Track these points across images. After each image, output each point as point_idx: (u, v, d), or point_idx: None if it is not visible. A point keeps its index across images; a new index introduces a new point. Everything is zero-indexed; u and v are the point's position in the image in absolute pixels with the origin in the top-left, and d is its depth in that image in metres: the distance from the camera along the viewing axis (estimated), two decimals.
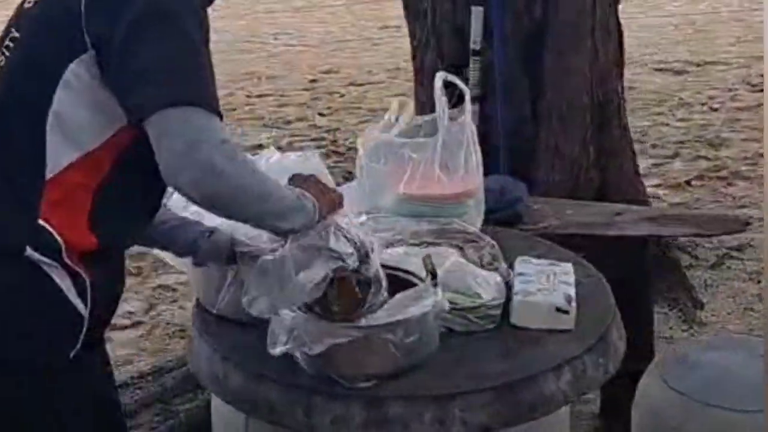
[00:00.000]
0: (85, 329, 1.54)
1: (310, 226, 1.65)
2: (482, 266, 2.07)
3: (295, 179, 1.70)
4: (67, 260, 1.50)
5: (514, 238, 2.40)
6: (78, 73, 1.46)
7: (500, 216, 2.84)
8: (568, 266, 2.08)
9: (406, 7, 4.43)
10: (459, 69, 4.05)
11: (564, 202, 3.22)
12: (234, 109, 6.94)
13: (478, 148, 2.32)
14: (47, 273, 1.49)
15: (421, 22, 4.33)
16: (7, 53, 1.54)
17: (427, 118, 2.34)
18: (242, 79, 7.95)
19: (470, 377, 1.79)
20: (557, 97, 4.08)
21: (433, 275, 1.80)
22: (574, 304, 1.93)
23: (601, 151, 3.90)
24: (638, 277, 2.98)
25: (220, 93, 1.54)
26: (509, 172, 4.02)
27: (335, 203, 1.72)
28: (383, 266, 1.85)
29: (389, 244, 2.11)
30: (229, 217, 1.59)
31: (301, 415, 1.77)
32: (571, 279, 2.02)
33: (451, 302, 1.88)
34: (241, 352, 1.87)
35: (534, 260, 2.11)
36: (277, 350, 1.73)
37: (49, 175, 1.49)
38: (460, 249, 2.11)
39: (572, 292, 1.96)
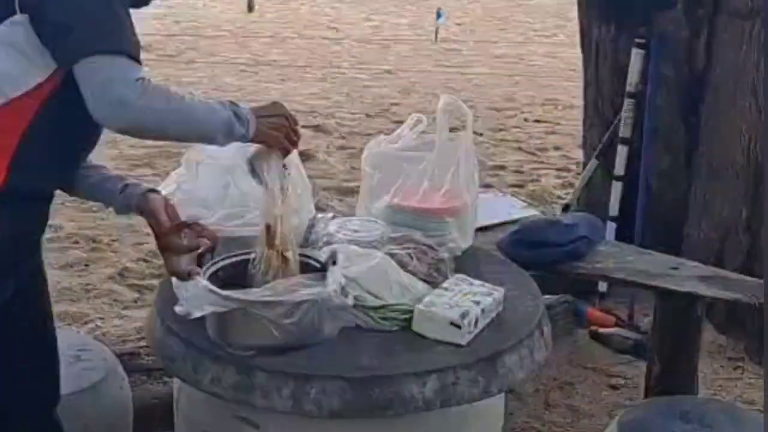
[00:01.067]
0: None
1: (239, 136, 1.91)
2: (422, 277, 2.23)
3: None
4: None
5: (494, 263, 2.52)
6: (6, 32, 1.77)
7: (561, 251, 2.96)
8: (499, 292, 2.19)
9: (581, 44, 4.53)
10: (617, 109, 4.13)
11: (630, 247, 3.26)
12: None
13: (473, 168, 2.46)
14: None
15: (587, 60, 4.42)
16: None
17: (434, 135, 2.50)
18: None
19: (336, 365, 1.97)
20: (712, 151, 4.05)
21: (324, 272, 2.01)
22: (468, 321, 2.05)
23: (754, 214, 3.81)
24: (686, 327, 2.97)
25: None
26: (648, 216, 4.05)
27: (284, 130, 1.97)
28: (301, 255, 2.10)
29: (350, 242, 2.31)
30: (161, 140, 1.93)
31: (190, 370, 2.04)
32: (487, 301, 2.13)
33: (357, 299, 2.07)
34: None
35: (472, 280, 2.23)
36: (177, 309, 2.01)
37: None
38: (410, 257, 2.27)
39: (475, 311, 2.08)
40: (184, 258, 2.01)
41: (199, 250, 2.05)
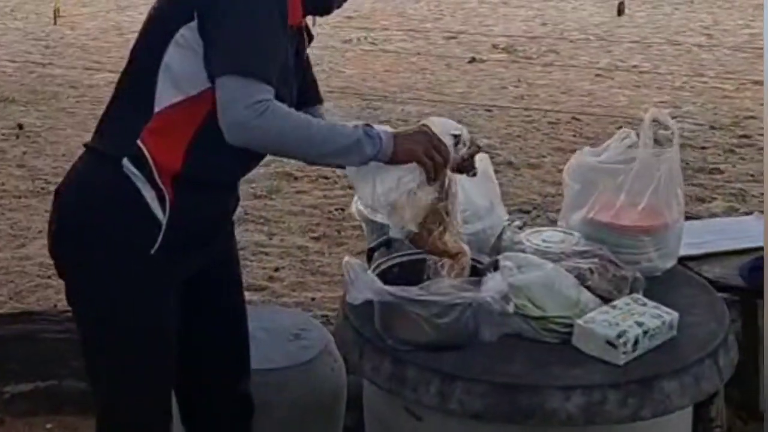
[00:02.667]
0: (162, 233, 2.02)
1: (371, 155, 1.96)
2: (600, 293, 2.23)
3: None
4: (156, 178, 2.01)
5: (693, 287, 2.45)
6: (186, 35, 1.96)
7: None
8: (672, 316, 2.14)
9: None
10: None
11: None
12: None
13: (677, 186, 2.40)
14: (135, 183, 2.00)
15: None
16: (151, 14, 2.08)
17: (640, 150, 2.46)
18: None
19: (485, 369, 2.03)
20: None
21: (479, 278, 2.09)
22: (624, 341, 2.02)
23: None
24: None
25: None
26: None
27: (425, 147, 1.99)
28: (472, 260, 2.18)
29: (536, 252, 2.34)
30: (293, 158, 2.09)
31: (357, 357, 2.18)
32: (653, 323, 2.09)
33: (518, 307, 2.12)
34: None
35: (646, 301, 2.19)
36: (347, 296, 2.15)
37: (156, 109, 2.00)
38: (591, 272, 2.27)
39: (635, 332, 2.05)
40: None
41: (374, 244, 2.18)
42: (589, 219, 2.44)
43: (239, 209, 2.35)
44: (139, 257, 2.04)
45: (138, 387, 2.15)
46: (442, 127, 2.08)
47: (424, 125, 2.04)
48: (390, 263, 2.26)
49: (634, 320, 2.09)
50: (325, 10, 2.15)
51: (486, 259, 2.24)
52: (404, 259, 2.27)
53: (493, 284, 2.09)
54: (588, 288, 2.23)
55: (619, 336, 2.04)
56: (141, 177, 2.02)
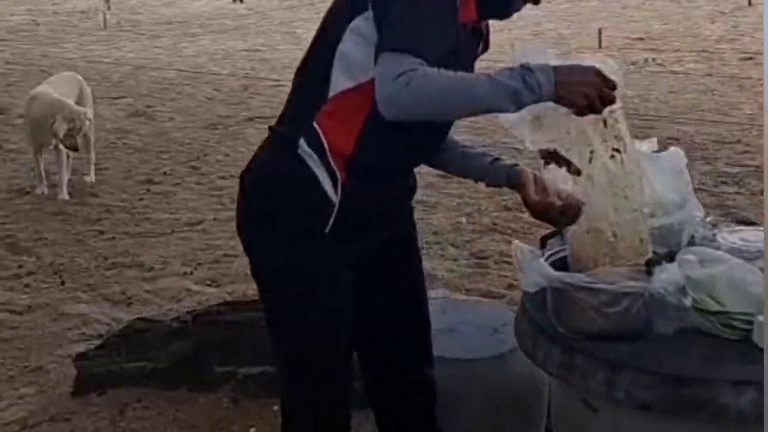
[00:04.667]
0: (335, 212, 2.13)
1: (531, 102, 1.94)
2: None
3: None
4: (330, 160, 2.10)
5: None
6: (360, 25, 2.05)
7: None
8: None
9: None
10: None
11: None
12: None
13: None
14: (309, 165, 2.11)
15: None
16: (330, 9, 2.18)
17: None
18: None
19: (655, 360, 1.99)
20: None
21: (650, 268, 2.04)
22: None
23: None
24: None
25: None
26: None
27: (593, 89, 1.95)
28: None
29: (730, 250, 2.27)
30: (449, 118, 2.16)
31: (531, 345, 2.19)
32: None
33: (697, 301, 2.06)
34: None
35: None
36: (521, 284, 2.17)
37: (330, 94, 2.10)
38: None
39: None
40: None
41: (549, 232, 2.18)
42: None
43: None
44: (313, 236, 2.16)
45: (315, 367, 2.26)
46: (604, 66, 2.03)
47: (589, 66, 2.00)
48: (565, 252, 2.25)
49: None
50: (502, 14, 2.19)
51: (663, 251, 2.18)
52: None
53: (667, 276, 2.04)
54: None
55: None
56: (316, 158, 2.13)
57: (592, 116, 2.01)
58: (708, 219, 2.42)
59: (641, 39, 12.64)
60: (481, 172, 2.32)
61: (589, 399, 2.12)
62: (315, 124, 2.13)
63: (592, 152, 2.07)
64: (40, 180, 6.46)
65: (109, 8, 18.10)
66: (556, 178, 2.11)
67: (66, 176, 6.41)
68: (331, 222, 2.15)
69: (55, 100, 6.32)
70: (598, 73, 1.98)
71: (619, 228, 2.11)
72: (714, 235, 2.35)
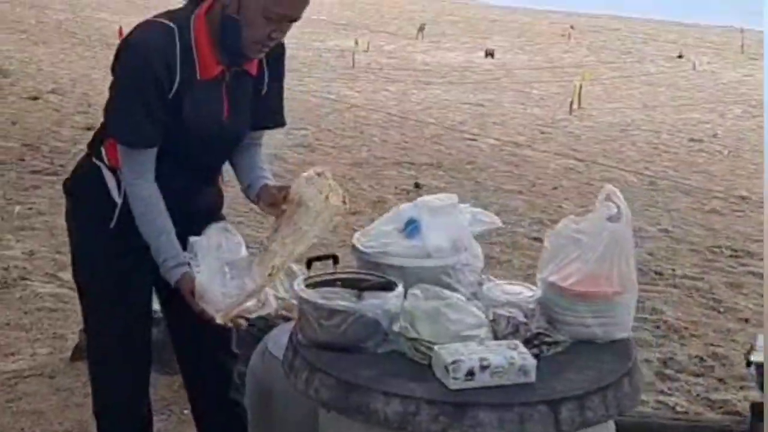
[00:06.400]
0: (117, 210, 2.69)
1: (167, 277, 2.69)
2: (497, 336, 2.49)
3: None
4: (117, 170, 2.68)
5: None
6: None
7: None
8: (527, 362, 2.34)
9: None
10: None
11: None
12: None
13: (622, 261, 2.54)
14: (102, 172, 2.70)
15: None
16: None
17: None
18: None
19: (341, 368, 2.40)
20: None
21: (359, 293, 2.48)
22: (455, 369, 2.28)
23: None
24: None
25: None
26: None
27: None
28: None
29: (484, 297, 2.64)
30: None
31: (289, 351, 2.65)
32: (497, 361, 2.30)
33: (401, 329, 2.47)
34: None
35: (521, 347, 2.40)
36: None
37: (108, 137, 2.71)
38: (507, 321, 2.52)
39: (470, 364, 2.29)
40: None
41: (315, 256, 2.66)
42: (545, 279, 2.66)
43: None
44: (101, 229, 2.76)
45: (110, 342, 2.86)
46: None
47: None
48: (334, 277, 2.69)
49: (479, 356, 2.33)
50: (241, 61, 2.68)
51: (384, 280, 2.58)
52: (346, 275, 2.68)
53: (378, 302, 2.47)
54: (494, 331, 2.50)
55: (454, 363, 2.30)
56: (106, 168, 2.74)
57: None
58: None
59: None
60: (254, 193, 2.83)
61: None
62: (102, 149, 2.75)
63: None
64: None
65: (367, 49, 19.34)
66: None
67: None
68: (114, 220, 2.73)
69: None
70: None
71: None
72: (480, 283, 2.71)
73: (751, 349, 3.56)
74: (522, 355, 2.37)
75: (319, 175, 2.66)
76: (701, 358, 4.72)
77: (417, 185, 7.98)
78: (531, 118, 13.05)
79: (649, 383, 4.19)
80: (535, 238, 6.41)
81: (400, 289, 2.53)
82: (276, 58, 2.78)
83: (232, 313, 2.60)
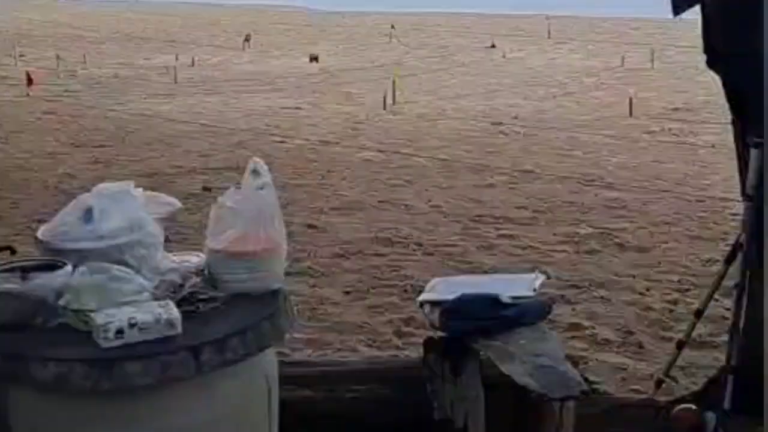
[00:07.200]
0: None
1: None
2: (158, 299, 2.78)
3: None
4: None
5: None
6: None
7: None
8: (173, 315, 2.64)
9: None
10: None
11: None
12: None
13: (270, 219, 2.88)
14: None
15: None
16: None
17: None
18: None
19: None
20: None
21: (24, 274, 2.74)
22: (107, 329, 2.57)
23: None
24: None
25: None
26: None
27: None
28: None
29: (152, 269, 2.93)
30: None
31: None
32: (146, 318, 2.60)
33: (68, 302, 2.73)
34: None
35: (172, 306, 2.70)
36: None
37: None
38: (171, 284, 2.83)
39: (120, 324, 2.57)
40: None
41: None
42: (207, 245, 2.98)
43: None
44: None
45: None
46: None
47: None
48: (11, 266, 2.93)
49: (128, 316, 2.62)
50: None
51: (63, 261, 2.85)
52: (24, 263, 2.94)
53: (42, 281, 2.73)
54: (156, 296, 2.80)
55: (105, 324, 2.58)
56: None
57: None
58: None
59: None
60: None
61: None
62: None
63: None
64: None
65: (192, 64, 19.46)
66: None
67: None
68: None
69: None
70: None
71: None
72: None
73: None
74: (168, 311, 2.67)
75: None
76: None
77: (205, 188, 8.22)
78: (345, 117, 13.44)
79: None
80: (309, 225, 6.76)
81: (68, 268, 2.79)
82: None
83: None
